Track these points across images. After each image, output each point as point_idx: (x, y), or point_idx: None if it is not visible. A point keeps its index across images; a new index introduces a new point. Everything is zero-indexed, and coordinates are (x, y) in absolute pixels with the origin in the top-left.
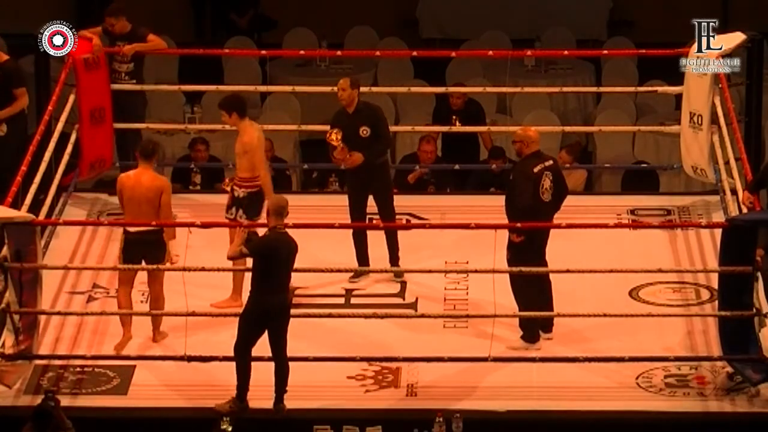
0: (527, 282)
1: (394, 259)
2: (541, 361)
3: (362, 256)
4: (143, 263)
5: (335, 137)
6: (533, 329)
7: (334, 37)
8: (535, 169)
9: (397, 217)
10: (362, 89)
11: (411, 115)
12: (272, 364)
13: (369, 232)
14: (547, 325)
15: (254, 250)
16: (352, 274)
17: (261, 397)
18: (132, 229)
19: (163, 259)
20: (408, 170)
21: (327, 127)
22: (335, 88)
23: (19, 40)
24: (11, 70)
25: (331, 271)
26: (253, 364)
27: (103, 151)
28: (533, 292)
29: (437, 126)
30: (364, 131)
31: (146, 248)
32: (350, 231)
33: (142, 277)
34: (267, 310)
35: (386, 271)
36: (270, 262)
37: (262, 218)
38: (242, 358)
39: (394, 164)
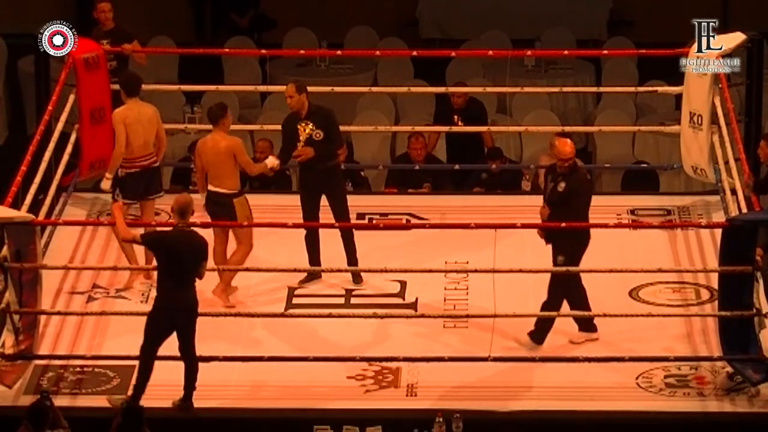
0: (575, 284)
1: (352, 260)
2: (541, 361)
3: (314, 259)
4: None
5: (307, 131)
6: (545, 332)
7: (334, 37)
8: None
9: (397, 217)
10: (362, 89)
11: (411, 115)
12: (263, 364)
13: (368, 233)
14: (591, 326)
15: (145, 241)
16: (351, 275)
17: (249, 397)
18: (211, 189)
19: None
20: (406, 170)
21: None
22: (285, 88)
23: (19, 40)
24: None
25: (331, 271)
26: (237, 364)
27: (103, 151)
28: (579, 293)
29: (438, 126)
30: (317, 134)
31: (218, 208)
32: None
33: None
34: (172, 308)
35: (384, 271)
36: (170, 259)
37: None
38: (147, 357)
39: (393, 164)
